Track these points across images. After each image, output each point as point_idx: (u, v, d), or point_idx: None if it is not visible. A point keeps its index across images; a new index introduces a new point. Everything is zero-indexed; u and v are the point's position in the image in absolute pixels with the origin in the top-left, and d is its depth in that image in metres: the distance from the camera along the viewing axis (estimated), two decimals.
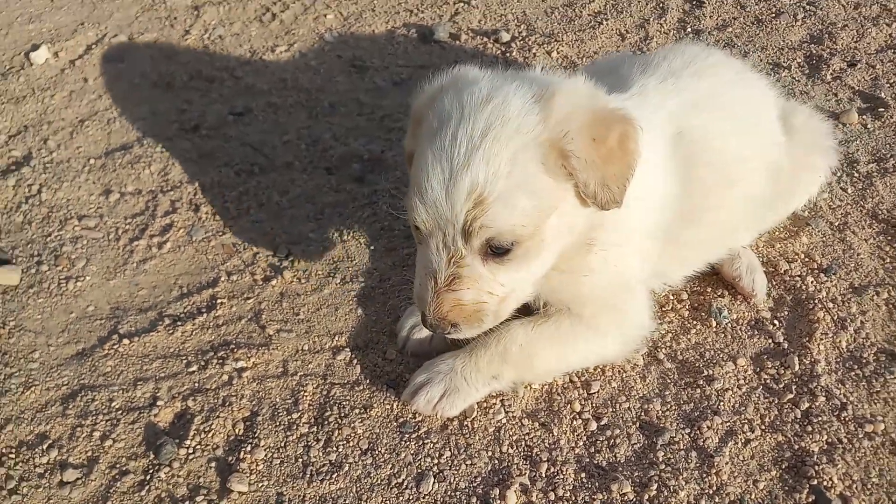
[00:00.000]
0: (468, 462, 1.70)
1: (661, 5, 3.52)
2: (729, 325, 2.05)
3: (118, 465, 1.67)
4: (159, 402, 1.81)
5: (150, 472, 1.66)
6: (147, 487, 1.63)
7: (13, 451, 1.69)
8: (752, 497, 1.66)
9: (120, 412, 1.79)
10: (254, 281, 2.16)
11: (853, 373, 1.92)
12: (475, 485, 1.65)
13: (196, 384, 1.86)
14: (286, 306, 2.08)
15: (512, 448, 1.73)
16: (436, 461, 1.70)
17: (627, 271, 1.84)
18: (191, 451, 1.70)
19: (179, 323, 2.02)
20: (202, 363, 1.91)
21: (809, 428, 1.79)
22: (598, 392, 1.87)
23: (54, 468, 1.66)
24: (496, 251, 1.53)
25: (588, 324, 1.82)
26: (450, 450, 1.72)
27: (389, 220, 2.38)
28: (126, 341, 1.97)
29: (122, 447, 1.72)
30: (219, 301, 2.09)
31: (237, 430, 1.76)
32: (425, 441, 1.74)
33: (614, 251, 1.75)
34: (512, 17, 3.44)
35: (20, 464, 1.66)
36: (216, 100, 2.92)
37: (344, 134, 2.74)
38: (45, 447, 1.70)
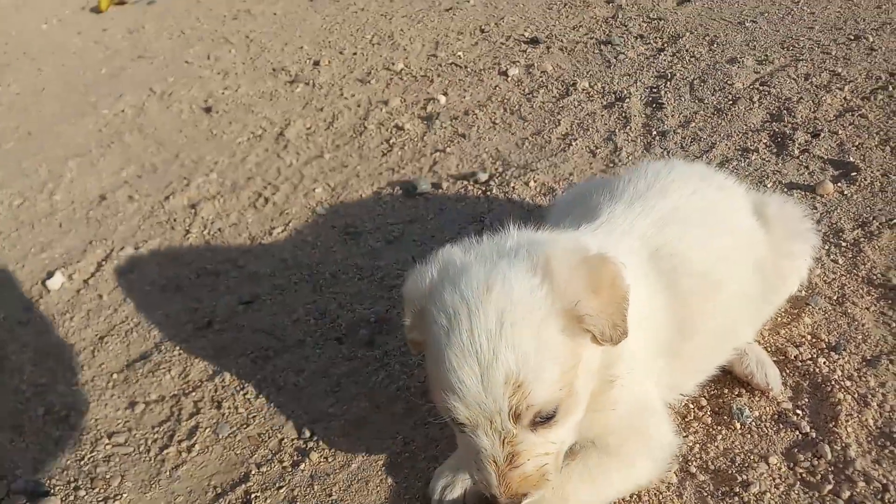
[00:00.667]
0: None
1: (623, 115, 3.72)
2: (753, 423, 2.06)
3: None
4: None
5: None
6: None
7: None
8: None
9: None
10: (283, 469, 2.20)
11: (886, 450, 1.91)
12: None
13: None
14: (318, 489, 2.11)
15: None
16: None
17: (646, 395, 1.88)
18: None
19: None
20: None
21: None
22: None
23: None
24: (543, 420, 1.58)
25: (615, 453, 1.84)
26: None
27: (404, 380, 2.44)
28: None
29: None
30: (253, 496, 2.12)
31: None
32: None
33: (630, 379, 1.79)
34: (486, 156, 3.63)
35: None
36: (224, 292, 3.05)
37: (349, 301, 2.85)
38: None
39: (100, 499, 2.23)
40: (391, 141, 3.96)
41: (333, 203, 3.52)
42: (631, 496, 1.91)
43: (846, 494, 1.82)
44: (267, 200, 3.65)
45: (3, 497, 2.31)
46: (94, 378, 2.74)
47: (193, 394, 2.55)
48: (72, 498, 2.25)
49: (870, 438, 1.95)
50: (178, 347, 2.79)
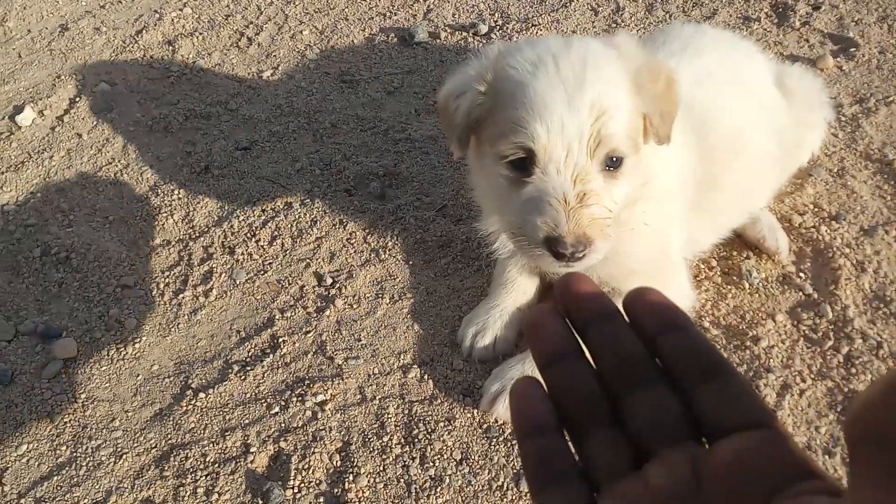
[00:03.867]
0: None
1: None
2: (760, 284, 2.20)
3: None
4: (252, 449, 1.89)
5: None
6: None
7: None
8: (818, 442, 1.82)
9: (216, 465, 1.87)
10: (308, 314, 2.24)
11: (881, 311, 2.09)
12: None
13: (283, 425, 1.94)
14: (346, 334, 2.17)
15: None
16: None
17: (669, 245, 1.97)
18: (296, 490, 1.79)
19: (249, 368, 2.09)
20: (283, 403, 1.99)
21: (853, 370, 1.95)
22: None
23: None
24: (611, 166, 1.61)
25: None
26: None
27: (420, 233, 2.46)
28: (202, 395, 2.03)
29: (228, 499, 1.80)
30: (280, 339, 2.16)
31: (335, 463, 1.85)
32: (513, 442, 1.86)
33: (656, 220, 1.85)
34: (484, 7, 3.50)
35: None
36: (218, 136, 2.95)
37: (353, 152, 2.81)
38: None
39: (117, 341, 2.23)
40: None
41: (324, 48, 3.37)
42: None
43: (845, 350, 2.00)
44: (251, 41, 3.45)
45: (11, 338, 2.27)
46: (88, 219, 2.65)
47: (202, 239, 2.51)
48: (87, 339, 2.24)
49: (866, 301, 2.12)
50: (176, 192, 2.71)
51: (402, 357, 2.10)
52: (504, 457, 1.83)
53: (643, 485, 0.61)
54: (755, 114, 2.13)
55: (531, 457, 0.66)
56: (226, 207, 2.63)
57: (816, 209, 2.39)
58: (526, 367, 1.90)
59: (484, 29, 3.32)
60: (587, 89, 1.53)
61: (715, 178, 2.04)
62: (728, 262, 2.27)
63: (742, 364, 1.99)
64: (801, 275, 2.21)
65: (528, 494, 1.75)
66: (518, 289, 2.14)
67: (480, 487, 1.77)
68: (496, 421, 1.90)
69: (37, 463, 1.91)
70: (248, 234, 2.51)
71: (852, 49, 3.00)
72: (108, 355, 2.18)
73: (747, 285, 2.20)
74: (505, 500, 1.75)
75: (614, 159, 1.60)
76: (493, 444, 1.86)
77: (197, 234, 2.54)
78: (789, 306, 2.13)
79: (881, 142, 2.58)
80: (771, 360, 1.99)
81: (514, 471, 1.80)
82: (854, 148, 2.57)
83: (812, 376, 1.95)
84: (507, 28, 3.32)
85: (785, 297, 2.16)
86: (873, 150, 2.55)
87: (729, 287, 2.20)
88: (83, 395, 2.08)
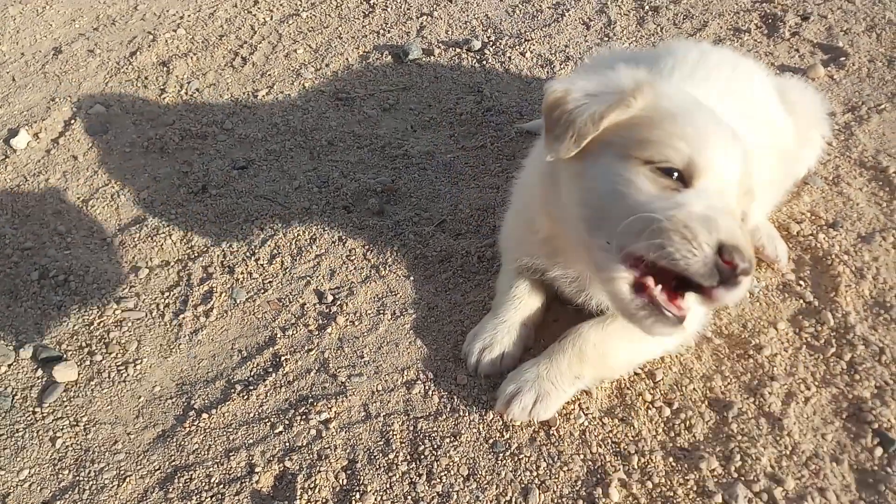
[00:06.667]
0: (565, 468, 1.81)
1: None
2: (761, 293, 2.20)
3: None
4: (257, 469, 1.88)
5: None
6: None
7: None
8: (825, 450, 1.82)
9: (221, 486, 1.85)
10: (309, 332, 2.23)
11: (881, 317, 2.10)
12: (577, 488, 1.77)
13: (287, 444, 1.93)
14: (348, 351, 2.16)
15: (601, 447, 1.86)
16: (535, 473, 1.81)
17: None
18: None
19: (251, 387, 2.08)
20: (286, 422, 1.98)
21: (857, 376, 1.96)
22: (662, 379, 2.00)
23: None
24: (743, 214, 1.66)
25: None
26: (544, 460, 1.83)
27: (420, 248, 2.46)
28: (205, 415, 2.02)
29: None
30: (282, 358, 2.15)
31: (341, 481, 1.84)
32: (519, 456, 1.85)
33: None
34: (477, 23, 3.53)
35: None
36: (215, 156, 2.95)
37: (350, 169, 2.81)
38: None
39: (118, 363, 2.21)
40: (372, 1, 3.78)
41: (319, 66, 3.38)
42: (655, 359, 2.05)
43: (847, 356, 2.01)
44: (245, 60, 3.46)
45: (11, 362, 2.25)
46: (86, 241, 2.64)
47: (201, 259, 2.51)
48: (88, 363, 2.22)
49: (866, 307, 2.13)
50: (174, 212, 2.71)
51: (405, 373, 2.09)
52: (511, 471, 1.82)
53: None
54: (762, 141, 2.13)
55: None
56: (224, 227, 2.63)
57: (814, 217, 2.40)
58: (541, 369, 1.91)
59: (477, 45, 3.34)
60: (739, 142, 1.62)
61: None
62: None
63: (746, 373, 1.99)
64: (801, 282, 2.22)
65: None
66: (525, 304, 2.14)
67: (488, 503, 1.76)
68: (502, 433, 1.89)
69: (39, 487, 1.89)
70: (248, 253, 2.51)
71: (842, 58, 3.03)
72: (109, 378, 2.17)
73: (748, 294, 2.20)
74: None
75: (744, 214, 1.64)
76: (499, 458, 1.85)
77: (196, 255, 2.53)
78: (790, 314, 2.14)
79: (874, 149, 2.60)
80: (775, 369, 2.00)
81: (522, 485, 1.79)
82: (848, 156, 2.60)
83: (816, 384, 1.96)
84: (501, 44, 3.34)
85: (786, 305, 2.17)
86: (867, 157, 2.58)
87: None
88: (84, 419, 2.06)
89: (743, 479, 1.76)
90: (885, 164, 2.54)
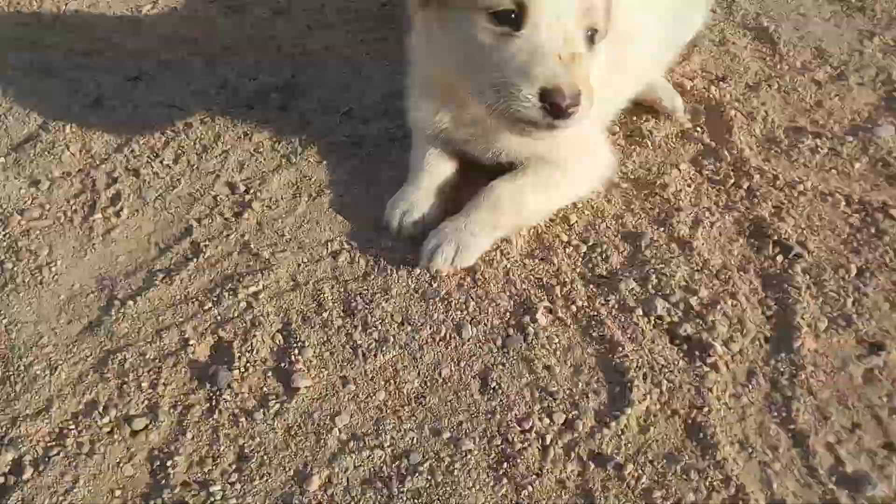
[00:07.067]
0: (494, 305, 1.88)
1: None
2: (662, 140, 2.32)
3: (180, 402, 1.72)
4: (191, 342, 1.85)
5: (214, 397, 1.72)
6: (217, 410, 1.69)
7: (71, 422, 1.68)
8: (732, 262, 1.95)
9: (157, 361, 1.82)
10: (226, 220, 2.20)
11: (773, 150, 2.25)
12: (507, 319, 1.84)
13: (218, 317, 1.91)
14: (269, 232, 2.15)
15: (524, 283, 1.93)
16: (466, 312, 1.86)
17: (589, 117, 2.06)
18: (243, 370, 1.77)
19: (174, 273, 2.04)
20: (214, 299, 1.95)
21: (756, 200, 2.10)
22: (576, 222, 2.09)
23: (119, 423, 1.68)
24: (591, 36, 1.70)
25: (563, 168, 2.03)
26: (473, 300, 1.89)
27: (330, 136, 2.46)
28: (130, 302, 1.97)
29: (175, 388, 1.75)
30: (201, 244, 2.12)
31: (277, 342, 1.84)
32: (449, 300, 1.90)
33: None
34: None
35: (84, 430, 1.67)
36: (105, 71, 2.83)
37: (248, 71, 2.76)
38: (100, 410, 1.71)
39: (32, 269, 2.11)
40: None
41: None
42: (569, 205, 2.13)
43: (746, 185, 2.15)
44: None
45: None
46: None
47: (103, 166, 2.42)
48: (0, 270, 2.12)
49: (758, 144, 2.28)
50: (69, 126, 2.59)
51: (329, 245, 2.10)
52: (443, 313, 1.87)
53: None
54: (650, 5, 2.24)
55: None
56: (124, 134, 2.54)
57: (705, 73, 2.54)
58: (459, 223, 1.96)
59: None
60: None
61: (621, 62, 2.13)
62: (630, 127, 2.39)
63: (654, 208, 2.11)
64: (699, 129, 2.35)
65: (470, 339, 1.80)
66: (439, 170, 2.18)
67: (424, 341, 1.81)
68: (430, 283, 1.94)
69: None
70: (151, 156, 2.44)
71: None
72: (24, 282, 2.07)
73: (650, 143, 2.31)
74: (449, 347, 1.79)
75: (592, 33, 1.67)
76: (430, 304, 1.89)
77: (97, 163, 2.44)
78: (691, 156, 2.27)
79: (755, 13, 2.76)
80: (681, 202, 2.12)
81: (455, 323, 1.84)
82: (732, 20, 2.75)
83: (720, 210, 2.09)
84: None
85: (686, 149, 2.29)
86: (749, 20, 2.74)
87: (634, 146, 2.32)
88: (5, 321, 1.97)
89: (660, 293, 1.87)
90: (766, 24, 2.71)
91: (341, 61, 2.78)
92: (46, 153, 2.49)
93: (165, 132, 2.53)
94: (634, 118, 2.41)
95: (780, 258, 1.95)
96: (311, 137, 2.46)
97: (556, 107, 1.59)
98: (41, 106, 2.69)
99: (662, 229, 2.04)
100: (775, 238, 1.98)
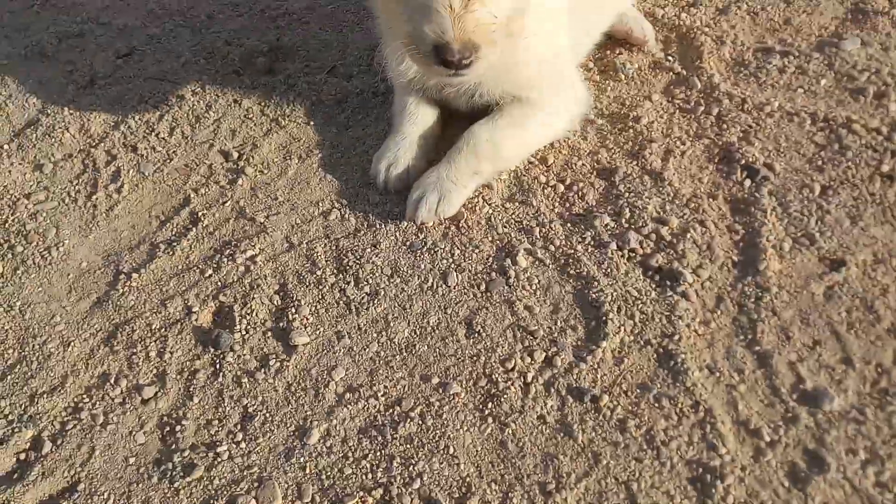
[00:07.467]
0: (477, 251, 1.98)
1: None
2: (634, 73, 2.37)
3: (186, 369, 1.86)
4: (194, 309, 1.99)
5: (218, 361, 1.86)
6: (222, 373, 1.83)
7: (85, 395, 1.84)
8: (702, 190, 2.02)
9: (163, 330, 1.97)
10: (221, 188, 2.31)
11: (742, 74, 2.29)
12: (489, 264, 1.95)
13: (218, 283, 2.04)
14: (262, 196, 2.26)
15: (505, 228, 2.02)
16: (451, 260, 1.97)
17: (561, 54, 2.10)
18: (244, 332, 1.91)
19: (175, 244, 2.16)
20: (214, 265, 2.08)
21: (725, 126, 2.16)
22: (554, 162, 2.16)
23: (131, 393, 1.83)
24: None
25: (538, 107, 2.09)
26: (458, 248, 2.00)
27: (315, 95, 2.53)
28: (135, 275, 2.10)
29: (181, 355, 1.90)
30: (200, 214, 2.23)
31: (275, 303, 1.97)
32: (435, 250, 2.00)
33: (543, 31, 1.97)
34: None
35: (98, 402, 1.82)
36: (96, 50, 2.91)
37: (234, 36, 2.83)
38: (112, 382, 1.86)
39: (41, 251, 2.26)
40: None
41: None
42: (546, 146, 2.20)
43: (715, 111, 2.20)
44: None
45: None
46: None
47: (102, 144, 2.53)
48: (10, 256, 2.26)
49: (728, 68, 2.32)
50: (66, 109, 2.69)
51: (320, 205, 2.20)
52: (429, 263, 1.98)
53: None
54: None
55: None
56: (119, 112, 2.64)
57: (675, 0, 2.55)
58: (441, 172, 2.05)
59: None
60: None
61: None
62: (603, 62, 2.43)
63: (628, 142, 2.17)
64: (670, 58, 2.39)
65: (456, 286, 1.91)
66: (421, 119, 2.25)
67: (413, 291, 1.92)
68: (417, 234, 2.04)
69: None
70: (147, 131, 2.54)
71: None
72: (35, 264, 2.22)
73: (623, 77, 2.36)
74: (436, 296, 1.90)
75: None
76: (417, 255, 2.00)
77: (96, 142, 2.55)
78: (663, 87, 2.32)
79: None
80: (653, 133, 2.18)
81: (441, 271, 1.95)
82: None
83: (690, 139, 2.15)
84: None
85: (658, 80, 2.34)
86: None
87: (607, 82, 2.37)
88: (18, 303, 2.12)
89: (633, 227, 1.96)
90: None
91: (323, 19, 2.83)
92: (47, 137, 2.60)
93: (159, 106, 2.63)
94: (608, 53, 2.45)
95: (748, 182, 2.01)
96: (298, 98, 2.54)
97: (447, 62, 1.63)
98: (39, 91, 2.79)
99: (635, 162, 2.12)
100: (743, 162, 2.05)
